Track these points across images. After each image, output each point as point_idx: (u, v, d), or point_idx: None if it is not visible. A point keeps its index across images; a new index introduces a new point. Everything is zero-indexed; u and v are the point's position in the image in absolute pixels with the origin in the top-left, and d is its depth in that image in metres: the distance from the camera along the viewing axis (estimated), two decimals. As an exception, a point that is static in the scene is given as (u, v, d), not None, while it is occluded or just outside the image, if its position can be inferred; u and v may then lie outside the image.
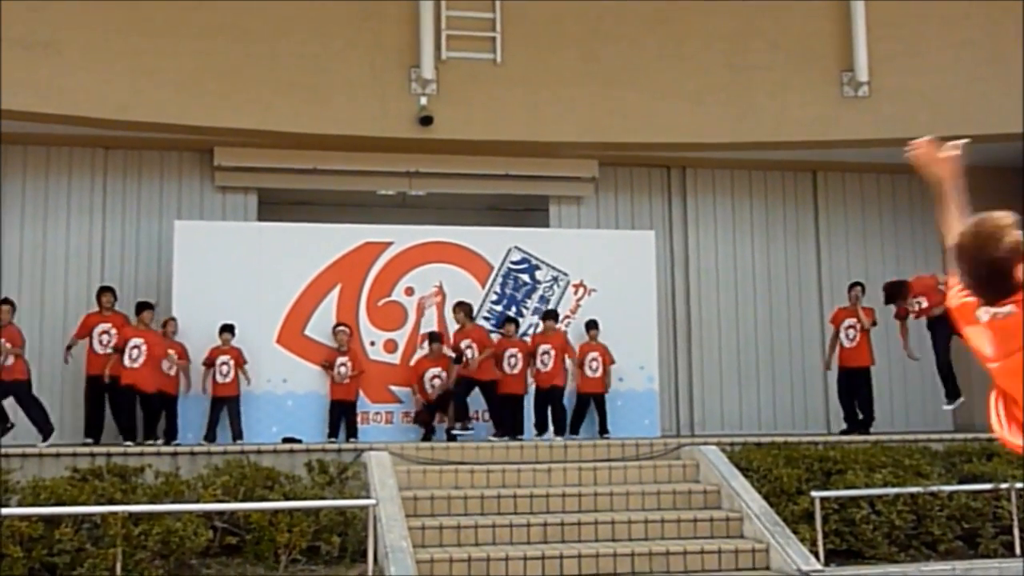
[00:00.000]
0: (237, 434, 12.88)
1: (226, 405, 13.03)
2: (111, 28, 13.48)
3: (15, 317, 12.52)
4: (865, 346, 13.93)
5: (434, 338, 13.60)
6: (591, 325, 13.93)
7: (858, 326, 13.89)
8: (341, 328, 13.44)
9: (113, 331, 12.88)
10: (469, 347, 13.36)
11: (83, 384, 13.17)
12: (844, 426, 13.98)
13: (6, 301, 12.49)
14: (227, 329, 13.13)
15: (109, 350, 12.81)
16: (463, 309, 13.57)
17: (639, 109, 14.70)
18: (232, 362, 13.08)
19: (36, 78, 13.13)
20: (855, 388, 13.95)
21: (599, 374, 13.73)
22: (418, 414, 13.32)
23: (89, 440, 12.56)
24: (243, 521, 9.24)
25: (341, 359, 13.33)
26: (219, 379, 13.03)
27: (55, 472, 9.97)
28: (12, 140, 14.30)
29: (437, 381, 13.41)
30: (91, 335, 12.96)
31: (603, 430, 13.62)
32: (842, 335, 14.02)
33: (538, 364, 13.52)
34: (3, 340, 12.03)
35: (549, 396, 13.46)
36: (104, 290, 13.26)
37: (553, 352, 13.48)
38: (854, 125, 14.96)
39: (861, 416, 13.89)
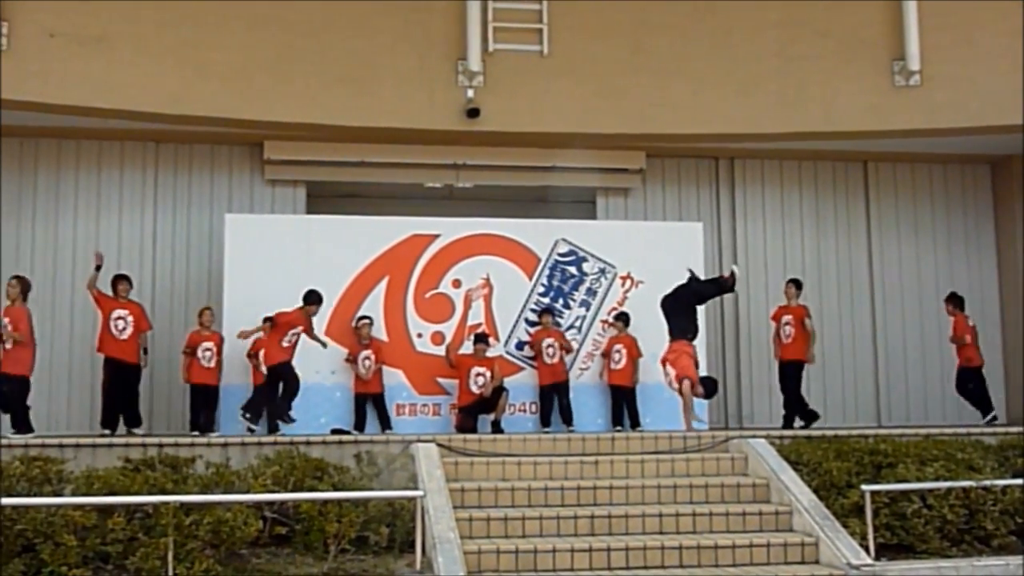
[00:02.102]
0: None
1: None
2: (162, 23, 13.61)
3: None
4: (801, 341, 14.08)
5: (479, 338, 13.62)
6: (619, 318, 14.06)
7: (793, 322, 14.12)
8: (364, 321, 13.51)
9: (130, 318, 12.92)
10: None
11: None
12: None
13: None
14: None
15: (124, 336, 12.90)
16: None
17: (686, 100, 14.61)
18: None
19: (88, 73, 13.30)
20: (786, 380, 14.24)
21: (622, 366, 13.82)
22: (460, 421, 13.32)
23: (107, 431, 12.70)
24: (292, 511, 9.30)
25: (364, 352, 13.41)
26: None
27: (108, 462, 10.09)
28: (65, 135, 14.51)
29: (481, 380, 13.42)
30: (108, 319, 12.90)
31: (635, 424, 13.72)
32: (781, 331, 14.21)
33: (611, 364, 13.95)
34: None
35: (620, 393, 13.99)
36: (121, 278, 13.21)
37: (624, 351, 13.89)
38: (905, 115, 14.77)
39: (784, 412, 14.23)
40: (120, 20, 13.49)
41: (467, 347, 13.79)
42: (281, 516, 9.33)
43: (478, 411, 13.35)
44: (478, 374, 13.44)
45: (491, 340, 13.80)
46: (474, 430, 12.99)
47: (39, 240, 14.52)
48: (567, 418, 13.68)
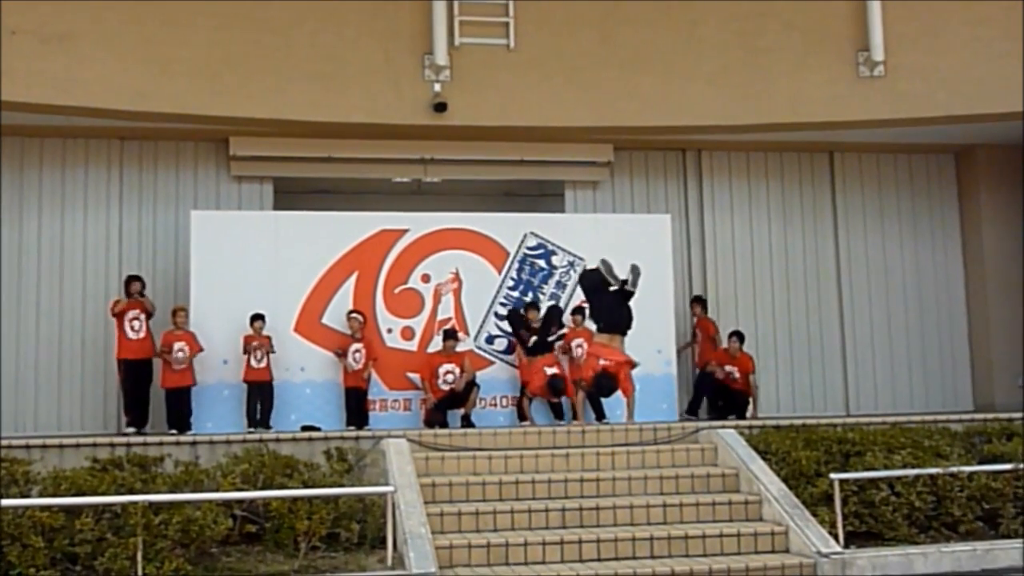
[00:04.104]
0: (265, 421, 12.97)
1: (260, 391, 13.14)
2: (126, 19, 13.49)
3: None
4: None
5: (448, 335, 13.61)
6: (578, 311, 14.01)
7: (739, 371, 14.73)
8: (354, 315, 13.49)
9: (143, 316, 13.05)
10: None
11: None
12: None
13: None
14: (259, 318, 13.20)
15: (141, 335, 13.01)
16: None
17: (653, 92, 14.63)
18: (264, 350, 13.18)
19: (52, 70, 13.16)
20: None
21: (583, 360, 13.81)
22: (428, 415, 13.31)
23: (131, 430, 12.67)
24: (262, 509, 9.28)
25: (355, 346, 13.38)
26: (254, 364, 13.12)
27: (75, 463, 10.03)
28: (29, 132, 14.36)
29: (451, 377, 13.39)
30: (122, 321, 13.05)
31: (600, 416, 13.64)
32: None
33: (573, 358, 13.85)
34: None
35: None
36: (134, 279, 13.38)
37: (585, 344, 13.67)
38: (870, 105, 14.85)
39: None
40: (84, 17, 13.35)
41: (436, 343, 13.79)
42: (251, 514, 9.32)
43: (448, 406, 13.33)
44: (447, 372, 13.41)
45: (461, 335, 13.78)
46: (445, 424, 12.99)
47: (4, 239, 14.37)
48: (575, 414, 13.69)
